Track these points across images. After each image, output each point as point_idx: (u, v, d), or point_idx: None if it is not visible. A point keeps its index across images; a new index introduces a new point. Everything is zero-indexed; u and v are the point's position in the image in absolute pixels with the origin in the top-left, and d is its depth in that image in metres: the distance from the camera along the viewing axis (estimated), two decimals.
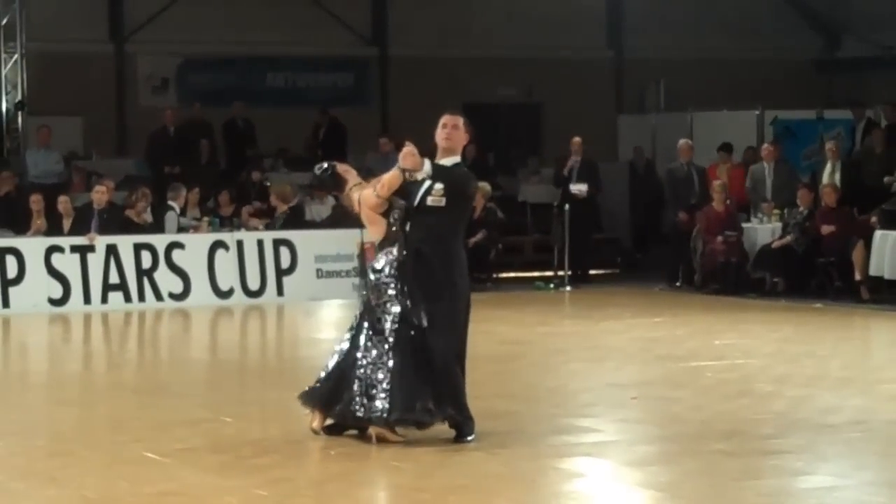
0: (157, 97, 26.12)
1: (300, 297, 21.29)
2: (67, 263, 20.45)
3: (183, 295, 20.87)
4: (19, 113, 24.93)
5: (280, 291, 21.39)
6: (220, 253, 21.11)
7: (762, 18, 27.92)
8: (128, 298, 20.65)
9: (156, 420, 11.89)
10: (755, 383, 13.68)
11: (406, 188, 10.41)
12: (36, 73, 24.67)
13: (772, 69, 27.58)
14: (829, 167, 21.93)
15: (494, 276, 23.69)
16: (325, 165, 11.21)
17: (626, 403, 13.07)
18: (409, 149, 10.28)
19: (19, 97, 24.76)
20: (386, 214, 10.58)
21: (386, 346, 10.40)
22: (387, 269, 10.46)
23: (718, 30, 27.21)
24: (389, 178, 10.40)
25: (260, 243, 21.00)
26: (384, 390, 10.28)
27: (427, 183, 10.37)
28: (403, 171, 10.30)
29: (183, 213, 21.73)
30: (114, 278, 20.45)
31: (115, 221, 20.92)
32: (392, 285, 10.43)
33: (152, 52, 25.69)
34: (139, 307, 20.62)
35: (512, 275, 24.07)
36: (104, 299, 20.45)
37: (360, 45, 27.44)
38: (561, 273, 23.45)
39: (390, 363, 10.33)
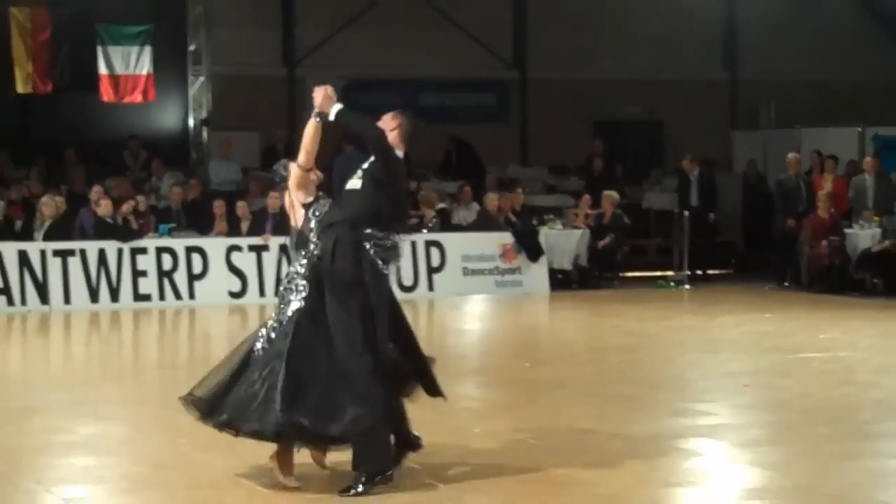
0: None
1: (448, 292, 21.33)
2: (245, 261, 20.69)
3: None
4: (204, 128, 25.25)
5: (430, 287, 21.45)
6: None
7: (863, 43, 27.53)
8: None
9: None
10: (856, 374, 13.62)
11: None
12: (218, 93, 25.01)
13: (873, 90, 27.26)
14: None
15: (621, 275, 23.59)
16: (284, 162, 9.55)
17: (738, 390, 13.07)
18: (326, 90, 8.94)
19: (204, 114, 25.09)
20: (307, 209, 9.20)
21: None
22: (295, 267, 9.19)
23: (824, 52, 26.88)
24: (309, 129, 9.07)
25: (413, 245, 21.02)
26: None
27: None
28: (319, 114, 8.96)
29: None
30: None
31: (288, 224, 21.00)
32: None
33: (320, 76, 25.73)
34: None
35: (637, 274, 24.01)
36: (276, 293, 20.55)
37: (503, 68, 27.42)
38: (681, 273, 23.32)
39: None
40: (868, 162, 23.11)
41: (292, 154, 9.45)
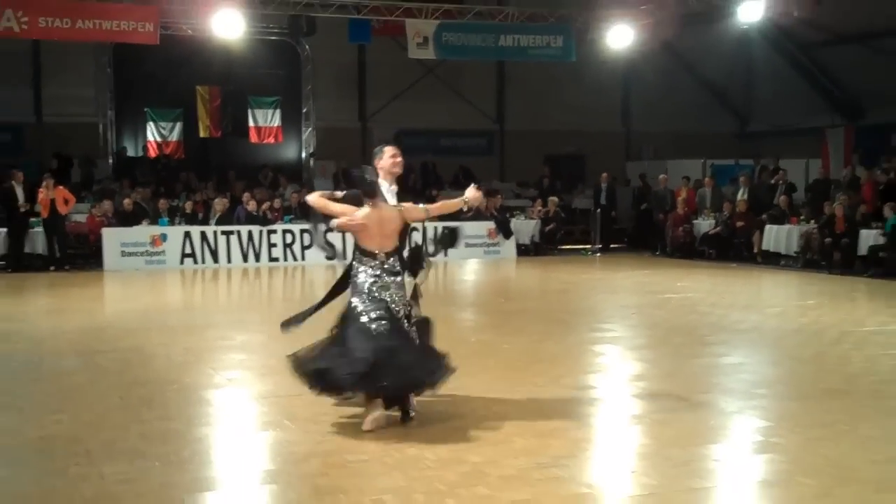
0: None
1: (456, 258, 21.25)
2: (333, 237, 20.54)
3: None
4: (311, 159, 25.24)
5: (445, 255, 21.38)
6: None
7: (703, 108, 27.46)
8: None
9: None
10: (698, 306, 13.62)
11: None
12: (320, 138, 24.96)
13: (710, 137, 27.25)
14: (741, 191, 21.66)
15: (559, 248, 23.59)
16: (368, 170, 7.07)
17: (629, 316, 13.05)
18: (479, 193, 7.24)
19: (312, 150, 25.06)
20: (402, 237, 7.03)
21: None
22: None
23: (681, 114, 26.76)
24: (450, 205, 7.25)
25: (435, 228, 20.96)
26: None
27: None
28: (466, 204, 7.17)
29: None
30: None
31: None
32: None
33: (381, 127, 25.90)
34: None
35: (569, 247, 23.96)
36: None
37: (490, 123, 27.47)
38: (595, 246, 23.32)
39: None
40: (707, 181, 23.14)
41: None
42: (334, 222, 6.97)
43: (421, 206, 7.24)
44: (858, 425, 7.06)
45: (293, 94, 25.04)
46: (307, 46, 24.48)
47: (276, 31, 23.30)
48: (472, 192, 7.19)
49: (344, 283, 7.16)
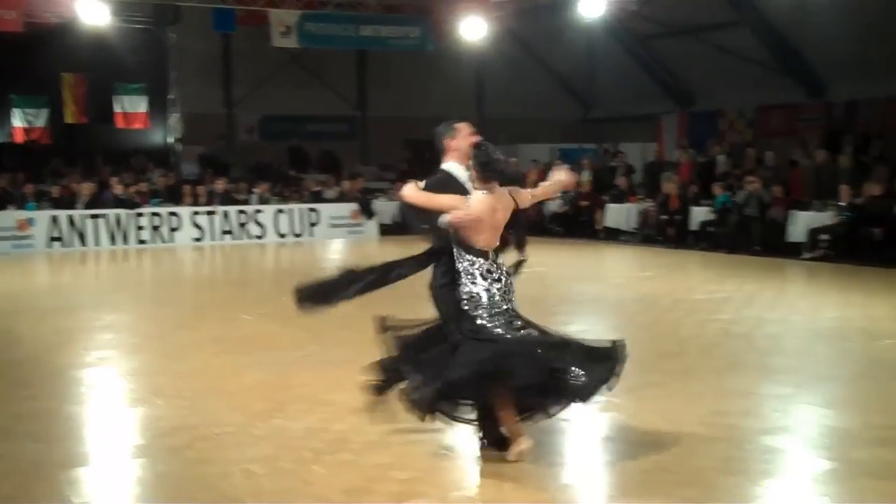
0: (250, 135, 25.95)
1: (322, 237, 21.10)
2: (203, 220, 20.25)
3: None
4: (177, 144, 24.64)
5: (311, 234, 21.36)
6: None
7: (548, 96, 27.71)
8: None
9: None
10: (548, 279, 13.77)
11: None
12: (185, 124, 24.34)
13: (556, 123, 27.66)
14: (585, 172, 22.12)
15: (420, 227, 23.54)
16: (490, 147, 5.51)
17: None
18: (572, 174, 6.00)
19: (178, 135, 24.45)
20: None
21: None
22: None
23: (527, 103, 26.97)
24: (549, 188, 5.96)
25: (301, 210, 20.72)
26: None
27: None
28: (563, 186, 5.93)
29: None
30: None
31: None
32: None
33: (246, 113, 25.47)
34: None
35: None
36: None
37: (351, 109, 27.23)
38: None
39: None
40: (556, 164, 23.45)
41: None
42: (444, 219, 5.39)
43: (527, 190, 5.78)
44: (688, 383, 7.39)
45: (159, 81, 24.37)
46: (173, 35, 23.86)
47: (141, 19, 22.70)
48: (564, 175, 5.86)
49: (394, 272, 5.79)
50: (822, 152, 18.55)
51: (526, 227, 6.04)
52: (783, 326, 10.10)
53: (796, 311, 11.09)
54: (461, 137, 5.67)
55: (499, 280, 5.34)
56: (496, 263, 5.40)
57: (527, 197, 5.63)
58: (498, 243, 5.44)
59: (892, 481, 5.19)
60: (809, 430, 6.31)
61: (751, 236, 17.77)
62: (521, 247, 5.87)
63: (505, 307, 5.32)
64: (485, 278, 5.34)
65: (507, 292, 5.35)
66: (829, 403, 6.95)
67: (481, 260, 5.35)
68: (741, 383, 7.42)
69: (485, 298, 5.30)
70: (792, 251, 16.83)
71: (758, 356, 8.49)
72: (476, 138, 5.61)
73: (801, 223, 17.18)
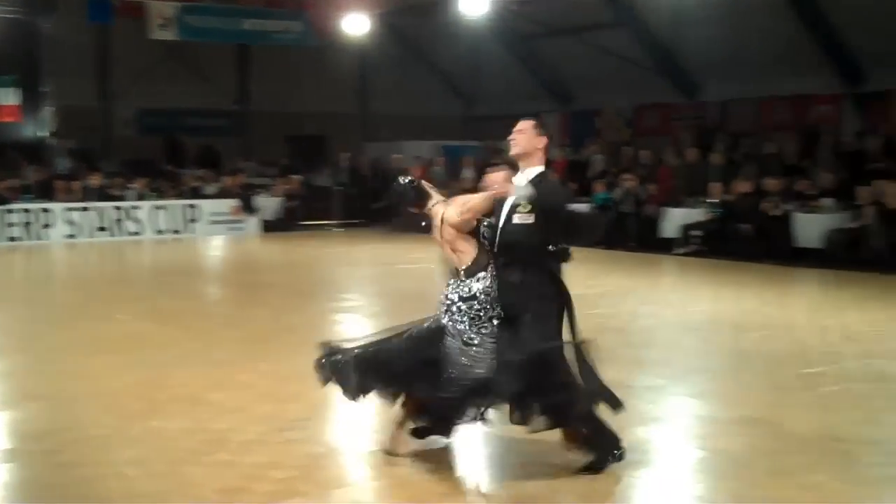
0: (126, 129, 25.18)
1: (202, 234, 20.70)
2: (78, 217, 19.49)
3: None
4: (51, 137, 23.82)
5: (191, 231, 20.87)
6: None
7: (435, 94, 27.89)
8: None
9: None
10: (429, 274, 13.79)
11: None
12: (59, 115, 23.52)
13: (440, 120, 27.65)
14: (468, 170, 22.26)
15: (301, 223, 23.25)
16: (409, 178, 5.71)
17: (366, 286, 13.11)
18: (502, 174, 5.36)
19: (53, 129, 23.64)
20: (473, 233, 5.31)
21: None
22: (481, 297, 5.22)
23: (417, 99, 27.05)
24: (478, 202, 5.21)
25: (181, 207, 20.24)
26: None
27: (512, 199, 5.28)
28: (494, 197, 5.23)
29: None
30: None
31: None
32: (488, 310, 5.24)
33: (123, 106, 24.80)
34: None
35: (311, 222, 23.60)
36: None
37: (232, 104, 26.68)
38: (336, 222, 23.29)
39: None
40: (439, 160, 23.68)
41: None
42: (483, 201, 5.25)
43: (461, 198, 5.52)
44: None
45: (32, 72, 23.48)
46: (46, 25, 23.02)
47: (12, 8, 21.85)
48: (494, 178, 5.38)
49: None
50: (693, 151, 19.12)
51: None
52: (656, 320, 10.37)
53: (669, 305, 11.41)
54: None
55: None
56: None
57: (451, 212, 5.36)
58: (453, 258, 5.43)
59: (758, 468, 5.38)
60: (681, 421, 6.50)
61: (626, 232, 18.19)
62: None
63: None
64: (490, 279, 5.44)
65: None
66: (700, 394, 7.18)
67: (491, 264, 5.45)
68: (617, 376, 7.54)
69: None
70: (665, 247, 17.30)
71: (632, 350, 8.69)
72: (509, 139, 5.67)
73: (674, 219, 17.68)
